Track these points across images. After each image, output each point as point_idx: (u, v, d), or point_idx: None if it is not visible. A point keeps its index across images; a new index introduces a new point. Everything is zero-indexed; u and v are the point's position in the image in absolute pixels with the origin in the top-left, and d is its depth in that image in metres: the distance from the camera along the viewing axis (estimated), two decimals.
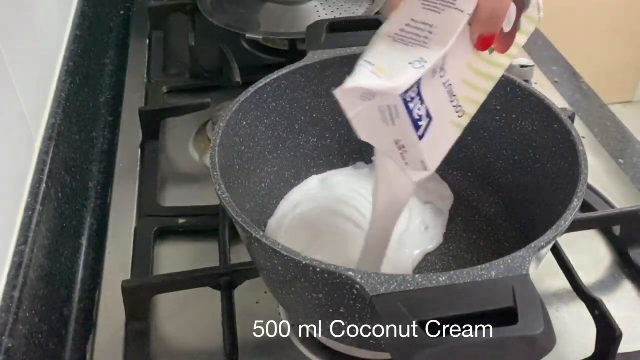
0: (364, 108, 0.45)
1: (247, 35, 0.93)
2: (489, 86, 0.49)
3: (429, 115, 0.45)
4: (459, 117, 0.47)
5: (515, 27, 0.48)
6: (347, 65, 0.63)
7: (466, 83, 0.47)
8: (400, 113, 0.44)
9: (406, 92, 0.43)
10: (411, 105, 0.44)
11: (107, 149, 0.85)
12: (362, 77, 0.44)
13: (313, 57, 0.63)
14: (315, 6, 0.98)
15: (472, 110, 0.48)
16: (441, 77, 0.45)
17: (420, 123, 0.45)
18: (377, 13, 0.95)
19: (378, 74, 0.43)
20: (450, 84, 0.46)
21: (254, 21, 0.97)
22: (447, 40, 0.44)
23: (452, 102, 0.46)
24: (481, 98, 0.49)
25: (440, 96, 0.46)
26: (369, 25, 0.67)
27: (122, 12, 1.11)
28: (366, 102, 0.45)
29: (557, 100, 0.85)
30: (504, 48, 0.48)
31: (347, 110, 0.46)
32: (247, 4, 0.99)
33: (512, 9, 0.47)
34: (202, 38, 0.94)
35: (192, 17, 0.98)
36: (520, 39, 0.48)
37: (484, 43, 0.46)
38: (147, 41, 1.00)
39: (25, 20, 0.68)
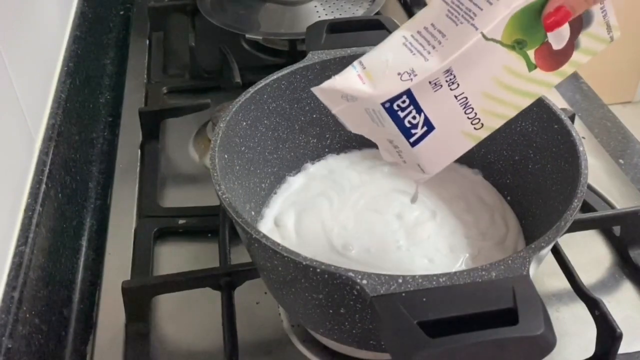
0: (347, 106, 0.46)
1: (247, 36, 0.93)
2: (524, 102, 0.45)
3: (428, 124, 0.44)
4: (476, 129, 0.45)
5: (570, 45, 0.44)
6: (347, 66, 0.63)
7: (488, 96, 0.44)
8: (386, 119, 0.44)
9: (391, 101, 0.43)
10: (401, 114, 0.44)
11: (107, 149, 0.85)
12: (343, 80, 0.44)
13: (313, 57, 0.63)
14: (315, 6, 0.98)
15: (495, 124, 0.45)
16: (452, 89, 0.44)
17: (413, 131, 0.44)
18: (377, 13, 0.95)
19: (363, 79, 0.44)
20: (465, 97, 0.44)
21: (254, 21, 0.97)
22: (448, 57, 0.42)
23: (467, 113, 0.44)
24: (510, 113, 0.45)
25: (449, 107, 0.44)
26: (369, 26, 0.67)
27: (122, 12, 1.11)
28: (349, 102, 0.45)
29: (557, 100, 0.85)
30: (550, 66, 0.44)
31: (329, 107, 0.47)
32: (247, 4, 0.99)
33: (565, 27, 0.43)
34: (202, 38, 0.94)
35: (192, 17, 0.98)
36: (580, 57, 0.45)
37: (553, 23, 0.42)
38: (147, 41, 1.00)
39: (25, 20, 0.68)
